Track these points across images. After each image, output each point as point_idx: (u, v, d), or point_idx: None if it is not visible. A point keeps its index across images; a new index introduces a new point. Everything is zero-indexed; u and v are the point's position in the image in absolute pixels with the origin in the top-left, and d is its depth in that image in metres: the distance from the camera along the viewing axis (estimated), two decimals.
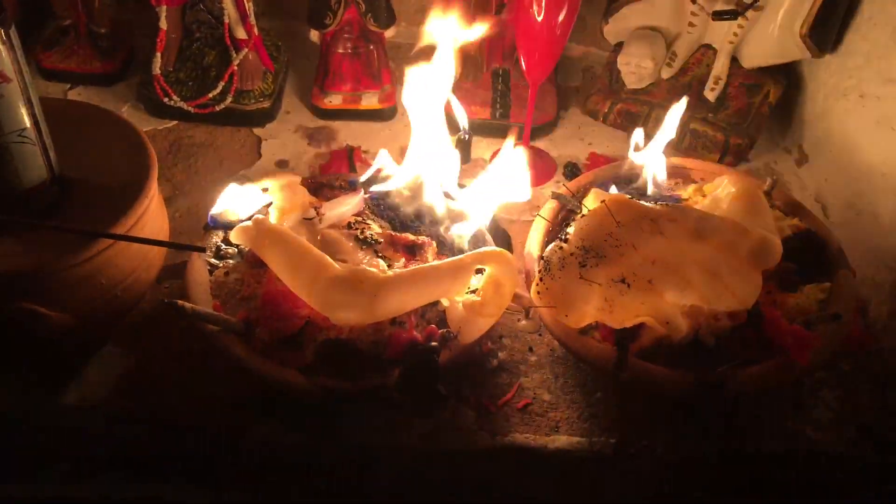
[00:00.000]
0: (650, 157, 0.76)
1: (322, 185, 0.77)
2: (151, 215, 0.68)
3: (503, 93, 1.02)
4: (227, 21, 0.93)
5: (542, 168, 0.97)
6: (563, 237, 0.65)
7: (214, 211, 0.69)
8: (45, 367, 0.70)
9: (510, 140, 0.77)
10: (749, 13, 0.91)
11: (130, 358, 0.72)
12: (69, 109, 0.76)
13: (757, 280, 0.63)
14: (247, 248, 0.69)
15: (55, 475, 0.72)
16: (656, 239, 0.63)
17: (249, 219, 0.67)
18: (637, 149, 0.76)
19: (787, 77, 0.98)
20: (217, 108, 0.96)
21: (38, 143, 0.63)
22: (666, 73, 1.00)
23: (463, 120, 0.86)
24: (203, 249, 0.67)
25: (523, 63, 0.87)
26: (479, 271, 0.66)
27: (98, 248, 0.62)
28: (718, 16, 0.92)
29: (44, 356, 0.69)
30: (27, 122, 0.62)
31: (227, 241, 0.71)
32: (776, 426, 0.70)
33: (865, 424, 0.70)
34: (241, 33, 0.94)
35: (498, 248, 0.65)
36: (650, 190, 0.76)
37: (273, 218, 0.70)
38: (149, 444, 0.69)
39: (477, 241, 0.73)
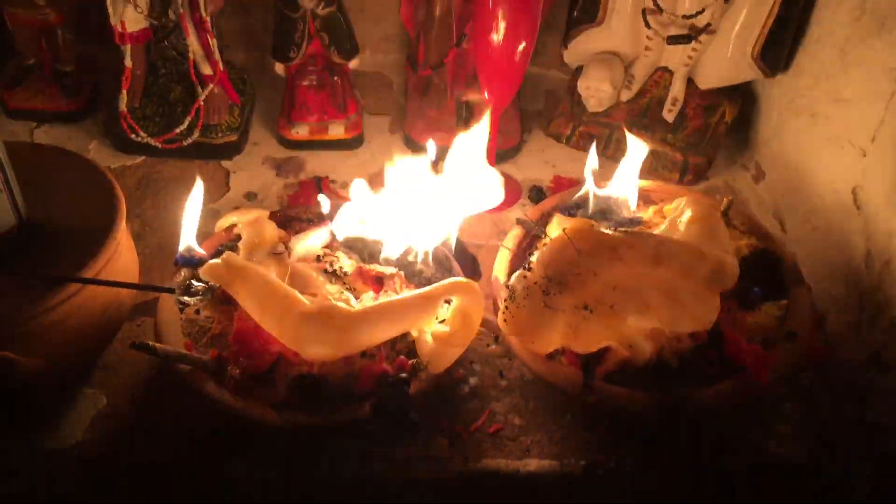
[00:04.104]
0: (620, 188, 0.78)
1: (291, 218, 0.78)
2: (120, 256, 0.69)
3: (468, 119, 1.03)
4: (191, 57, 0.94)
5: (508, 192, 0.99)
6: (527, 265, 0.67)
7: (181, 248, 0.69)
8: (17, 412, 0.70)
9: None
10: (702, 37, 0.94)
11: (102, 398, 0.72)
12: (35, 152, 0.76)
13: (715, 301, 0.65)
14: (217, 285, 0.69)
15: None
16: (616, 265, 0.65)
17: (218, 255, 0.68)
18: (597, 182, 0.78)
19: (743, 96, 1.01)
20: (184, 143, 0.97)
21: (4, 188, 0.64)
22: (625, 96, 1.02)
23: (430, 148, 0.88)
24: (172, 290, 0.67)
25: (485, 91, 0.89)
26: (448, 301, 0.67)
27: (68, 292, 0.62)
28: (673, 40, 0.95)
29: (16, 401, 0.69)
30: None
31: (197, 277, 0.71)
32: (739, 442, 0.72)
33: (826, 437, 0.72)
34: (206, 69, 0.95)
35: (464, 279, 0.67)
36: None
37: (242, 254, 0.71)
38: (121, 486, 0.69)
39: (444, 268, 0.74)
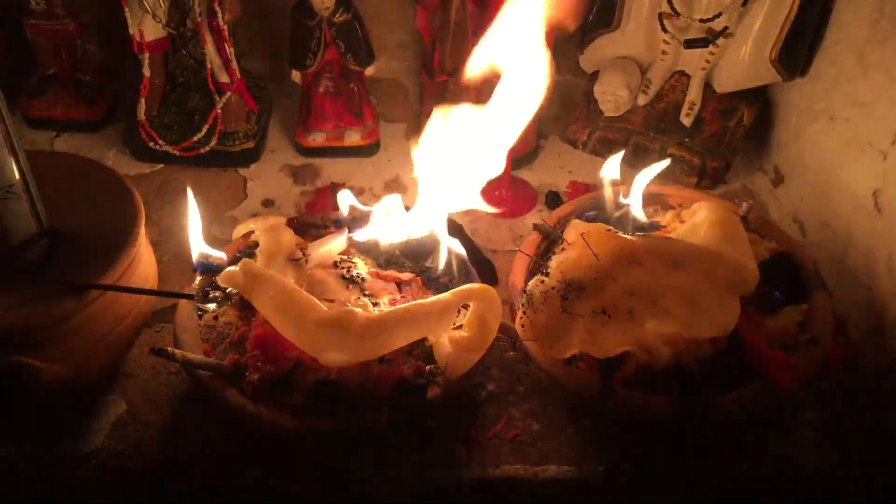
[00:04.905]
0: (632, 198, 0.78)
1: (308, 225, 0.78)
2: (140, 263, 0.69)
3: None
4: (209, 66, 0.95)
5: (524, 197, 0.99)
6: (544, 271, 0.67)
7: (194, 257, 0.70)
8: (39, 418, 0.70)
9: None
10: (719, 40, 0.94)
11: (122, 404, 0.73)
12: (55, 161, 0.77)
13: (734, 306, 0.65)
14: (235, 292, 0.70)
15: None
16: (634, 270, 0.64)
17: (236, 262, 0.68)
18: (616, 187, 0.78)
19: (761, 100, 1.01)
20: (202, 151, 0.98)
21: (25, 196, 0.64)
22: (642, 100, 1.02)
23: None
24: (191, 297, 0.68)
25: None
26: (465, 307, 0.67)
27: (88, 299, 0.63)
28: (690, 44, 0.95)
29: (37, 407, 0.69)
30: (15, 177, 0.63)
31: (216, 283, 0.72)
32: (760, 448, 0.71)
33: (848, 444, 0.71)
34: (223, 77, 0.96)
35: (482, 285, 0.67)
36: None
37: (259, 261, 0.71)
38: (140, 492, 0.70)
39: (461, 274, 0.74)
